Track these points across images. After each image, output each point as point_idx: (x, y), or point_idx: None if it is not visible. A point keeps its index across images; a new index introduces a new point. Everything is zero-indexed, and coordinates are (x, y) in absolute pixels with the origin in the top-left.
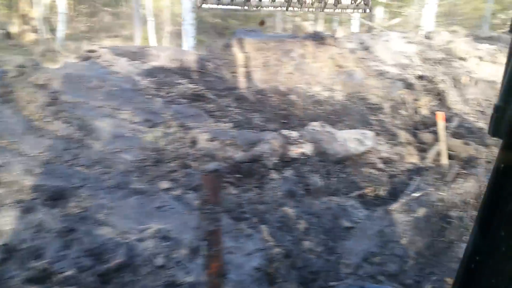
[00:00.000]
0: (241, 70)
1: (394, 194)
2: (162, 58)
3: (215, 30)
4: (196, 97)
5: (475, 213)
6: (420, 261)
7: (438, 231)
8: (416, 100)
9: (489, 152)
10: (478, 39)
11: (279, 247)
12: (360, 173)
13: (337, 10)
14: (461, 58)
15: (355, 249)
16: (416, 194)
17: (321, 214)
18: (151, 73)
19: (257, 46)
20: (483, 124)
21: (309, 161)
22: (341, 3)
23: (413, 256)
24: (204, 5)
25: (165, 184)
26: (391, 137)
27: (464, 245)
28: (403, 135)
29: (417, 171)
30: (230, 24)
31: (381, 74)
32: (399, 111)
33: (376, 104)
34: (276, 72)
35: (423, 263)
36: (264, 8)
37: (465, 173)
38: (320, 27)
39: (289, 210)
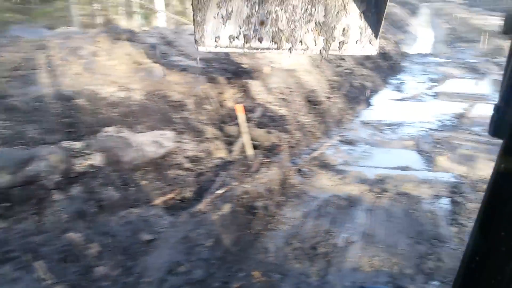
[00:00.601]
0: (14, 74)
1: (201, 194)
2: None
3: None
4: None
5: (280, 198)
6: (228, 259)
7: (244, 224)
8: (220, 93)
9: (291, 138)
10: None
11: (60, 284)
12: (164, 177)
13: (341, 52)
14: None
15: (157, 262)
16: (220, 191)
17: (118, 232)
18: None
19: (37, 44)
20: (285, 111)
21: (101, 173)
22: (346, 43)
23: (220, 256)
24: (201, 48)
25: None
26: (197, 134)
27: (270, 233)
28: (210, 131)
29: (224, 165)
30: (10, 19)
31: (184, 69)
32: (204, 106)
33: (179, 101)
34: (61, 73)
35: (230, 261)
36: (266, 51)
37: (268, 161)
38: (126, 21)
39: (76, 235)
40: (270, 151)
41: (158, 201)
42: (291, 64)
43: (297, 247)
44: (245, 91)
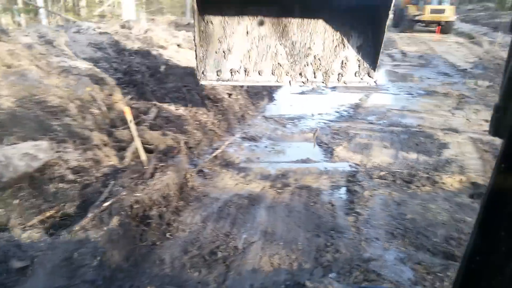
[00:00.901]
0: None
1: (86, 208)
2: None
3: None
4: None
5: (178, 204)
6: (118, 277)
7: (137, 237)
8: (110, 95)
9: (190, 139)
10: (178, 26)
11: None
12: (42, 192)
13: (341, 84)
14: (161, 47)
15: None
16: (108, 203)
17: None
18: None
19: None
20: (182, 111)
21: None
22: (345, 76)
23: (108, 275)
24: (203, 82)
25: None
26: (82, 142)
27: (166, 243)
28: (97, 137)
29: (114, 174)
30: None
31: (66, 70)
32: (90, 110)
33: (59, 107)
34: None
35: (121, 278)
36: (265, 84)
37: (164, 165)
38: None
39: None
40: (166, 154)
41: (34, 221)
42: (188, 61)
43: (195, 255)
44: (139, 91)
